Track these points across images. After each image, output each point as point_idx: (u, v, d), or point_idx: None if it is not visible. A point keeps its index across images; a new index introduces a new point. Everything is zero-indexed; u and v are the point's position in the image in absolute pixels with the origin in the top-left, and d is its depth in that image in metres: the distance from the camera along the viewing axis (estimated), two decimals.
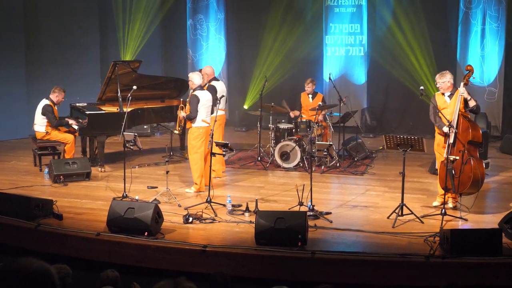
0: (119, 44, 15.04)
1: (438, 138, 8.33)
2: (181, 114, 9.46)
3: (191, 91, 9.34)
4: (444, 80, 8.18)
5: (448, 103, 8.14)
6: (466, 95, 7.94)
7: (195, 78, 9.28)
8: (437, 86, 8.36)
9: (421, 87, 8.23)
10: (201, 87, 9.29)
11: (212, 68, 10.52)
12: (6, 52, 13.38)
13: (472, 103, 7.95)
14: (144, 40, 15.17)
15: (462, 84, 8.02)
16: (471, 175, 7.81)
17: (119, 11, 14.95)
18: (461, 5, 13.43)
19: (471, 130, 7.87)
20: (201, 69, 10.71)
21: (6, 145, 12.98)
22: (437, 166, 8.40)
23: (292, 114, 11.67)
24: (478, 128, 8.03)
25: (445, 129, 7.99)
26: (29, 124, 10.86)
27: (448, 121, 7.86)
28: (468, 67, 8.23)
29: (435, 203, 8.46)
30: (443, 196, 8.01)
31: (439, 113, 8.05)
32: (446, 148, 7.90)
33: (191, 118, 9.09)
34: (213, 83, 10.14)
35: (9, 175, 10.29)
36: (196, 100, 9.08)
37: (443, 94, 8.24)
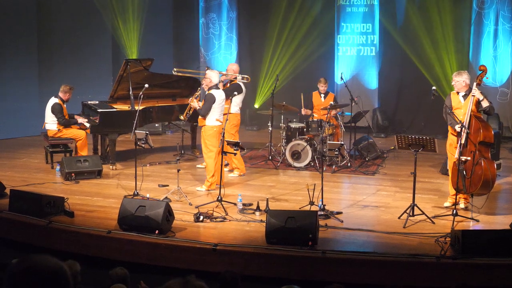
0: (131, 43, 15.07)
1: (451, 138, 8.27)
2: (194, 103, 9.33)
3: (207, 89, 9.25)
4: (460, 79, 8.10)
5: (462, 103, 8.08)
6: (478, 95, 7.86)
7: (213, 77, 9.25)
8: (453, 84, 8.25)
9: (433, 87, 8.17)
10: (216, 86, 9.27)
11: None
12: (19, 53, 13.47)
13: (485, 104, 7.87)
14: (156, 38, 15.20)
15: (475, 84, 7.95)
16: (482, 176, 7.76)
17: (131, 10, 14.98)
18: (474, 5, 13.36)
19: (483, 131, 7.81)
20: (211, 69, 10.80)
21: (18, 142, 13.06)
22: (449, 166, 8.36)
23: (303, 111, 11.59)
24: (490, 128, 7.96)
25: (458, 128, 7.94)
26: (41, 122, 10.92)
27: (460, 121, 7.82)
28: (481, 67, 8.15)
29: (446, 204, 8.42)
30: (454, 197, 7.96)
31: (452, 113, 8.01)
32: (458, 148, 7.86)
33: (201, 115, 9.09)
34: (238, 81, 10.40)
35: (21, 173, 10.35)
36: (213, 99, 9.04)
37: (458, 93, 8.18)
